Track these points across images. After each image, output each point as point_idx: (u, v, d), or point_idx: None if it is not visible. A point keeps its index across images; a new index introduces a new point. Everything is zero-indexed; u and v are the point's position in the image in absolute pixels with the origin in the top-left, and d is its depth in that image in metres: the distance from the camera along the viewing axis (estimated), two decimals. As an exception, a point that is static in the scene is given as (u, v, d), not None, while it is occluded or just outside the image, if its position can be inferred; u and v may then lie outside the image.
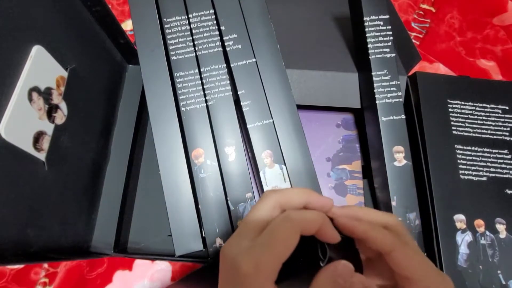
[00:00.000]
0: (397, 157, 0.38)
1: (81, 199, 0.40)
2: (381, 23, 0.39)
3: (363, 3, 0.39)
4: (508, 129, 0.47)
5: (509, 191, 0.44)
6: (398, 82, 0.39)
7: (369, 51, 0.39)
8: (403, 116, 0.39)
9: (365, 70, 0.40)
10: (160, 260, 0.45)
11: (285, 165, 0.37)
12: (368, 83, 0.40)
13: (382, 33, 0.39)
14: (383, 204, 0.41)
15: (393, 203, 0.37)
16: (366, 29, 0.39)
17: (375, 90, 0.38)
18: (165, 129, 0.37)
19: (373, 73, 0.39)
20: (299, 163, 0.38)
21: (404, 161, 0.38)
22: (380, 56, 0.39)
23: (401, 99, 0.39)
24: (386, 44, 0.39)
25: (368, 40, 0.39)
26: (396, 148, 0.38)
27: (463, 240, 0.41)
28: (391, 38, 0.39)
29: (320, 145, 0.47)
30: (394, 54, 0.39)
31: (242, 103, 0.38)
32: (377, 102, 0.38)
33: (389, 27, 0.39)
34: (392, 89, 0.39)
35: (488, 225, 0.42)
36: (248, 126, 0.37)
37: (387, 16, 0.39)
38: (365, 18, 0.39)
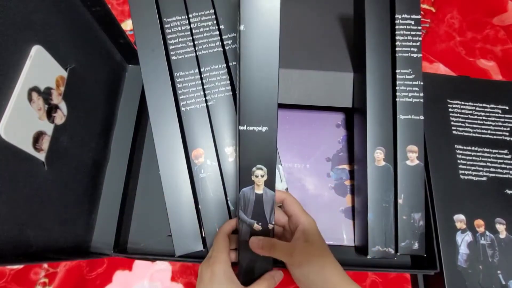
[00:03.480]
0: (410, 157, 0.38)
1: (81, 199, 0.40)
2: (412, 22, 0.38)
3: (397, 0, 0.38)
4: (508, 129, 0.47)
5: (509, 191, 0.44)
6: (421, 83, 0.38)
7: (396, 49, 0.38)
8: (422, 117, 0.38)
9: (361, 73, 0.40)
10: (160, 260, 0.45)
11: (281, 164, 0.37)
12: (361, 85, 0.40)
13: (412, 33, 0.38)
14: (358, 210, 0.41)
15: (400, 201, 0.37)
16: (396, 27, 0.38)
17: (397, 88, 0.38)
18: (165, 129, 0.37)
19: (397, 71, 0.38)
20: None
21: (417, 161, 0.38)
22: (407, 55, 0.38)
23: (421, 100, 0.38)
24: (414, 44, 0.38)
25: (397, 38, 0.38)
26: (410, 147, 0.38)
27: (463, 240, 0.41)
28: (420, 38, 0.39)
29: (320, 145, 0.47)
30: (421, 55, 0.39)
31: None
32: (397, 99, 0.38)
33: (420, 28, 0.38)
34: (414, 88, 0.38)
35: (488, 225, 0.42)
36: None
37: (419, 16, 0.39)
38: (396, 16, 0.38)
